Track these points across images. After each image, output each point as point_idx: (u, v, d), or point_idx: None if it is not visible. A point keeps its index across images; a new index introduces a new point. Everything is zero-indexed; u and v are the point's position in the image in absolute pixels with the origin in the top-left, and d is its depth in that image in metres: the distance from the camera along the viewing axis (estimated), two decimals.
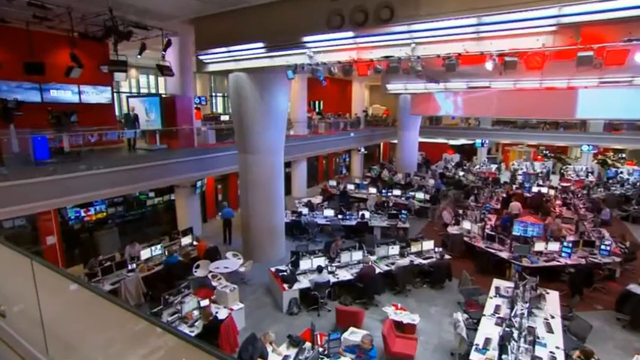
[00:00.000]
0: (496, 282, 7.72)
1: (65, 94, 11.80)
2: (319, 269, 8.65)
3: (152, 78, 21.23)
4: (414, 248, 9.81)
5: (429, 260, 9.44)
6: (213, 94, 23.96)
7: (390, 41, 7.24)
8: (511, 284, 7.49)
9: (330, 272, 8.92)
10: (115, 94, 13.71)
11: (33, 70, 9.70)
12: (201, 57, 9.91)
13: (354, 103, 24.27)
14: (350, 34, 7.42)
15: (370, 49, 7.66)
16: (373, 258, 9.42)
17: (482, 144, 23.76)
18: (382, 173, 20.47)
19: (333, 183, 17.45)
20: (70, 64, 9.85)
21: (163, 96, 12.27)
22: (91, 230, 11.58)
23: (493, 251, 9.45)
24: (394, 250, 9.69)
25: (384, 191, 16.06)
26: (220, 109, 25.29)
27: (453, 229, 11.46)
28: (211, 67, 10.09)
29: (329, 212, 13.36)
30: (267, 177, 10.46)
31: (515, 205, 12.99)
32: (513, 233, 10.26)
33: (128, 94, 18.21)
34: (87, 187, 9.14)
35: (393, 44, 7.25)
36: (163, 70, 10.67)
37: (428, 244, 9.93)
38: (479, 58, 6.42)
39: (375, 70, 7.53)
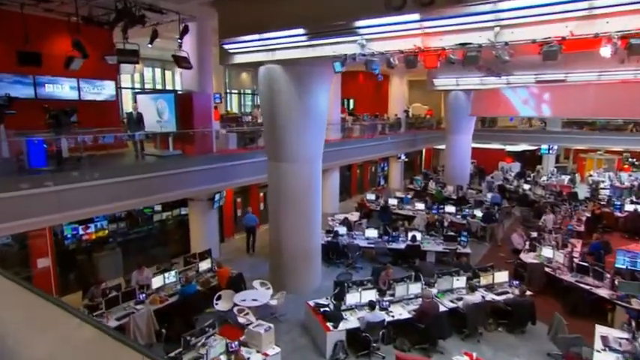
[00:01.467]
0: (600, 329, 7.06)
1: (62, 89, 11.74)
2: (371, 305, 8.19)
3: (158, 71, 21.42)
4: (484, 280, 9.23)
5: (504, 297, 8.83)
6: (228, 90, 24.03)
7: (466, 24, 6.79)
8: (623, 334, 6.81)
9: (382, 308, 8.43)
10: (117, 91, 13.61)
11: (28, 61, 9.65)
12: (226, 46, 9.71)
13: (393, 101, 23.93)
14: (414, 16, 7.03)
15: (440, 35, 7.23)
16: (434, 291, 8.88)
17: (550, 150, 22.89)
18: (428, 185, 19.89)
19: (371, 197, 17.21)
20: (71, 54, 9.76)
21: (179, 92, 12.08)
22: (89, 251, 11.45)
23: (587, 287, 8.76)
24: (459, 282, 9.13)
25: (434, 208, 15.53)
26: (235, 108, 25.40)
27: (527, 257, 10.81)
28: (238, 59, 9.88)
29: (371, 233, 12.95)
30: (302, 190, 10.18)
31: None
32: (616, 265, 9.55)
33: (135, 90, 18.31)
34: (88, 201, 8.95)
35: (471, 28, 6.79)
36: (180, 62, 10.56)
37: (501, 276, 9.32)
38: (588, 42, 5.89)
39: (447, 60, 7.07)
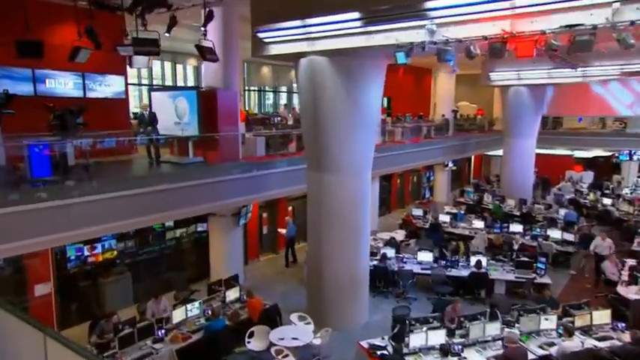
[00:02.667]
0: None
1: (65, 85, 11.65)
2: (443, 350, 7.60)
3: (168, 65, 21.41)
4: (579, 321, 8.53)
5: (607, 343, 8.11)
6: (247, 88, 23.87)
7: (571, 1, 6.22)
8: None
9: (453, 354, 7.82)
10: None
11: (28, 52, 9.41)
12: (261, 35, 9.37)
13: (438, 99, 23.41)
14: None
15: (533, 17, 6.68)
16: (516, 332, 8.24)
17: (631, 156, 21.86)
18: (482, 198, 19.23)
19: (417, 212, 16.74)
20: (77, 44, 9.57)
21: (202, 89, 11.87)
22: (94, 276, 11.23)
23: None
24: (549, 322, 8.46)
25: (496, 226, 14.89)
26: (254, 107, 25.23)
27: (628, 291, 10.05)
28: (274, 49, 9.56)
29: (425, 256, 12.41)
30: (348, 205, 9.89)
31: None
32: None
33: (140, 87, 18.12)
34: (99, 217, 8.72)
35: (579, 6, 6.21)
36: (205, 54, 10.12)
37: (600, 316, 8.61)
38: None
39: (548, 47, 6.49)
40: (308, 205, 10.55)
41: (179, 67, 22.10)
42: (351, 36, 8.24)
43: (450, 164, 22.55)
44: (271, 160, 12.41)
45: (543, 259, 11.58)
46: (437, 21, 7.33)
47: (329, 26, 8.35)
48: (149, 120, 10.83)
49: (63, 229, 8.23)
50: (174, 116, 11.47)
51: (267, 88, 26.96)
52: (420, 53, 7.75)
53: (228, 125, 11.77)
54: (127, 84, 13.18)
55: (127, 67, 12.80)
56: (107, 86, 12.51)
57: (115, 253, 11.45)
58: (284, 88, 28.63)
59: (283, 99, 28.88)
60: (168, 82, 21.68)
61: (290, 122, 15.86)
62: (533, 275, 11.33)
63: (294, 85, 29.22)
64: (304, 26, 8.65)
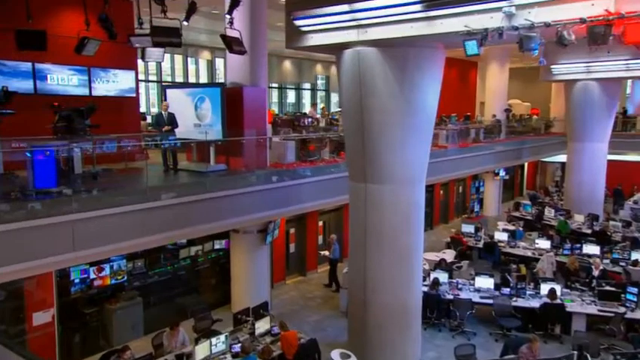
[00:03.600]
0: None
1: (70, 81, 11.62)
2: None
3: (179, 59, 21.47)
4: None
5: None
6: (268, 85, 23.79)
7: None
8: None
9: None
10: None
11: (29, 43, 9.23)
12: (298, 22, 9.08)
13: (488, 96, 22.87)
14: None
15: None
16: None
17: None
18: (544, 213, 18.61)
19: (467, 228, 16.48)
20: (84, 34, 9.33)
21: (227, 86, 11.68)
22: (101, 301, 11.01)
23: None
24: None
25: (565, 246, 14.31)
26: (274, 106, 25.11)
27: None
28: (314, 40, 9.27)
29: (484, 282, 11.96)
30: (400, 223, 9.52)
31: None
32: None
33: (165, 84, 18.45)
34: (110, 234, 8.53)
35: None
36: (232, 45, 9.93)
37: None
38: None
39: None
40: (350, 221, 10.26)
41: (190, 61, 22.34)
42: (410, 22, 7.84)
43: (502, 173, 21.99)
44: (303, 167, 12.24)
45: (634, 290, 10.90)
46: (517, 1, 6.88)
47: (383, 11, 7.96)
48: (168, 122, 10.73)
49: (68, 250, 8.01)
50: (194, 117, 11.37)
51: (288, 85, 26.89)
52: (496, 41, 7.32)
53: (256, 127, 11.61)
54: (137, 80, 13.14)
55: (138, 61, 13.16)
56: (115, 83, 12.44)
57: (125, 274, 11.27)
58: (307, 85, 28.90)
59: (306, 97, 28.97)
60: (179, 79, 21.81)
61: (322, 124, 15.53)
62: (623, 309, 10.68)
63: (319, 82, 29.75)
64: (352, 11, 8.27)
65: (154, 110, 19.66)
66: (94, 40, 9.57)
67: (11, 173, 8.77)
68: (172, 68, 21.64)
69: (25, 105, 9.75)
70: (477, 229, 16.45)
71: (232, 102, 11.19)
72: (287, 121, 15.34)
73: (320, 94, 29.89)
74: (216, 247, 13.35)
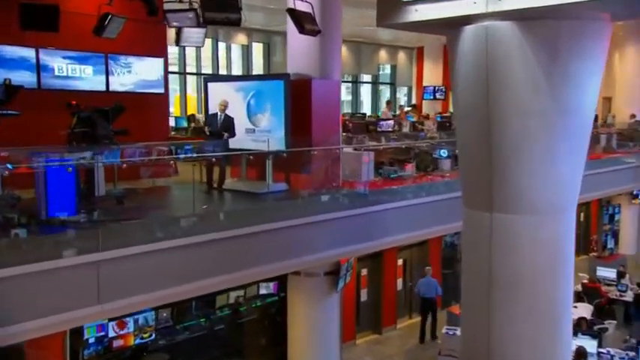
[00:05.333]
0: None
1: (83, 72, 11.62)
2: None
3: (208, 43, 21.40)
4: None
5: None
6: None
7: None
8: None
9: None
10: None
11: (37, 22, 9.37)
12: None
13: (619, 90, 22.12)
14: None
15: None
16: None
17: None
18: None
19: (605, 273, 15.88)
20: (106, 9, 9.63)
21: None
22: None
23: None
24: None
25: None
26: None
27: None
28: (419, 14, 8.78)
29: None
30: (544, 268, 8.81)
31: None
32: None
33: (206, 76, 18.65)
34: (140, 280, 8.40)
35: None
36: (302, 22, 9.89)
37: None
38: None
39: None
40: (463, 264, 9.69)
41: (221, 46, 22.41)
42: None
43: None
44: (385, 188, 12.18)
45: None
46: None
47: None
48: (223, 127, 10.77)
49: (92, 302, 7.87)
50: (246, 120, 11.34)
51: (344, 77, 26.78)
52: None
53: (327, 133, 11.49)
54: (166, 71, 13.16)
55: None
56: (138, 74, 12.45)
57: (153, 330, 11.38)
58: (367, 77, 28.83)
59: (364, 93, 28.74)
60: (207, 70, 21.95)
61: (406, 129, 15.21)
62: None
63: (381, 73, 29.50)
64: None
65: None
66: (117, 17, 9.72)
67: (11, 195, 8.61)
68: (198, 57, 21.71)
69: (27, 103, 9.72)
70: (620, 275, 15.84)
71: (296, 100, 11.08)
72: (360, 124, 15.28)
73: (384, 89, 29.58)
74: (262, 292, 13.39)
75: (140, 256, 8.23)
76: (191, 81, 21.83)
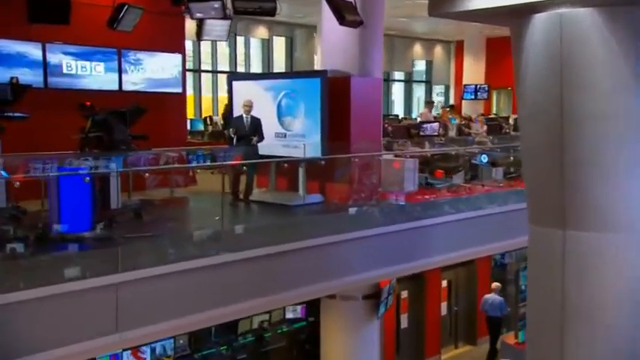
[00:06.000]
0: None
1: (92, 69, 11.67)
2: None
3: (225, 44, 21.58)
4: None
5: None
6: None
7: None
8: None
9: None
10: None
11: (46, 15, 9.38)
12: None
13: None
14: None
15: None
16: None
17: None
18: None
19: None
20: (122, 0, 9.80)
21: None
22: None
23: None
24: None
25: None
26: None
27: None
28: (481, 1, 8.69)
29: None
30: (627, 294, 8.42)
31: None
32: None
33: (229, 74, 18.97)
34: (162, 305, 8.32)
35: None
36: (343, 13, 9.87)
37: None
38: None
39: None
40: (530, 289, 9.38)
41: (239, 41, 22.56)
42: None
43: None
44: (430, 200, 12.09)
45: None
46: None
47: None
48: (250, 130, 10.81)
49: (110, 329, 7.79)
50: (276, 123, 11.38)
51: None
52: None
53: (368, 138, 11.53)
54: (184, 68, 13.23)
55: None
56: (153, 72, 12.50)
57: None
58: (399, 75, 28.82)
59: (396, 92, 28.65)
60: (223, 66, 22.12)
61: (452, 133, 15.14)
62: None
63: (415, 69, 29.50)
64: None
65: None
66: (135, 8, 9.83)
67: (17, 207, 8.66)
68: (214, 52, 21.89)
69: (33, 104, 9.72)
70: None
71: (333, 100, 11.07)
72: (400, 128, 15.36)
73: (417, 88, 29.42)
74: (289, 315, 13.44)
75: (162, 277, 8.14)
76: (205, 79, 21.95)
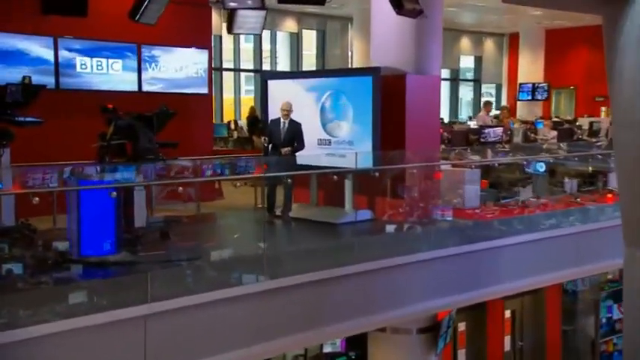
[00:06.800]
0: None
1: (109, 67, 11.84)
2: None
3: (251, 38, 21.77)
4: None
5: None
6: None
7: None
8: None
9: None
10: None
11: (61, 6, 9.47)
12: None
13: None
14: None
15: None
16: None
17: None
18: None
19: None
20: None
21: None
22: None
23: None
24: None
25: None
26: None
27: None
28: None
29: None
30: None
31: None
32: None
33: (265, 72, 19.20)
34: (195, 340, 8.23)
35: None
36: (402, 1, 9.77)
37: None
38: None
39: None
40: (627, 318, 9.07)
41: (265, 35, 22.36)
42: None
43: None
44: (496, 218, 11.95)
45: None
46: None
47: None
48: (288, 137, 10.95)
49: None
50: (319, 128, 11.48)
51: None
52: None
53: (425, 145, 11.53)
54: (210, 66, 13.36)
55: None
56: (176, 70, 12.65)
57: None
58: (444, 72, 28.37)
59: (441, 90, 28.52)
60: (247, 64, 22.10)
61: (518, 138, 15.27)
62: None
63: (461, 66, 29.30)
64: None
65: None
66: None
67: (27, 225, 8.71)
68: (236, 48, 21.91)
69: (44, 107, 9.88)
70: None
71: (385, 101, 11.03)
72: (459, 133, 15.35)
73: (464, 87, 29.17)
74: (327, 349, 13.43)
75: (194, 309, 7.97)
76: (227, 78, 22.00)
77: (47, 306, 7.00)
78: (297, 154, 11.26)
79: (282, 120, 11.09)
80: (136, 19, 9.58)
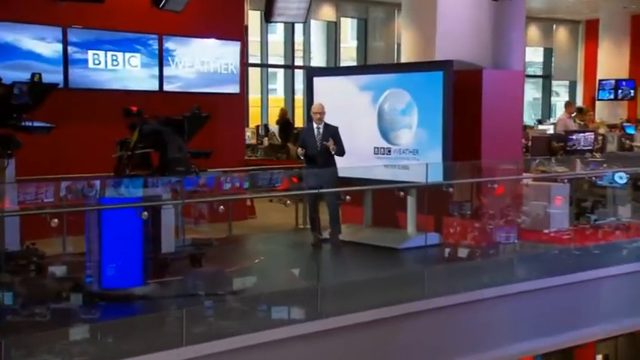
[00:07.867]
0: None
1: (126, 62, 12.00)
2: None
3: (280, 29, 21.84)
4: None
5: None
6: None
7: None
8: None
9: None
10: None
11: None
12: None
13: None
14: None
15: None
16: None
17: None
18: None
19: None
20: None
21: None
22: None
23: None
24: None
25: None
26: None
27: None
28: None
29: None
30: None
31: None
32: None
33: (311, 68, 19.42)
34: None
35: None
36: None
37: None
38: None
39: None
40: None
41: (297, 27, 22.71)
42: None
43: None
44: (593, 242, 12.01)
45: None
46: None
47: None
48: (323, 145, 11.05)
49: None
50: (376, 133, 11.60)
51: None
52: None
53: (505, 154, 11.73)
54: (242, 62, 13.52)
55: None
56: (203, 65, 12.78)
57: None
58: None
59: None
60: (275, 59, 22.11)
61: (613, 146, 15.31)
62: None
63: (528, 60, 29.17)
64: None
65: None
66: None
67: (34, 250, 8.71)
68: (263, 41, 22.15)
69: (51, 109, 9.89)
70: None
71: (458, 101, 11.01)
72: (539, 141, 15.24)
73: (530, 84, 29.01)
74: None
75: (236, 353, 7.77)
76: (254, 75, 21.99)
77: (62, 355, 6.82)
78: (343, 166, 11.18)
79: (315, 125, 11.14)
80: (160, 6, 9.95)
